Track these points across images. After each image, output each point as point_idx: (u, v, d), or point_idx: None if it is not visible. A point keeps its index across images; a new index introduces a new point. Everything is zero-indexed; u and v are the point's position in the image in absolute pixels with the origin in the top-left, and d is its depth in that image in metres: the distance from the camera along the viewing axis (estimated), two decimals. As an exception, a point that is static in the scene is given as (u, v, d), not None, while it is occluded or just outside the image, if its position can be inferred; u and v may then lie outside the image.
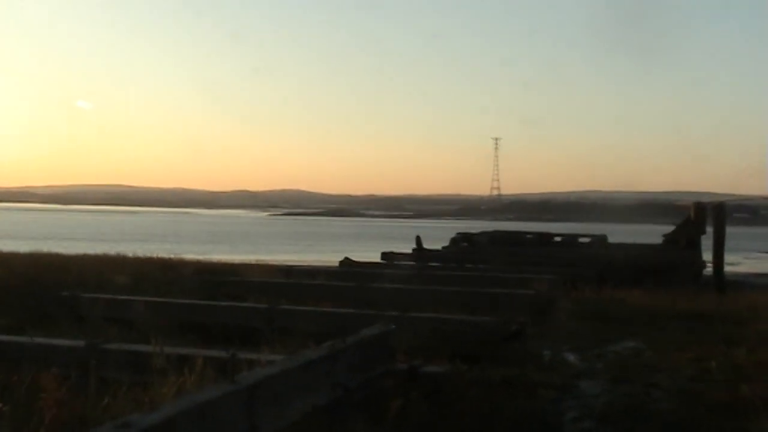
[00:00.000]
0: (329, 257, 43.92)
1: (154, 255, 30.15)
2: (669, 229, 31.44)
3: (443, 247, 33.83)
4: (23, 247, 34.46)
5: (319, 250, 66.98)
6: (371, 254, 35.20)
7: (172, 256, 30.61)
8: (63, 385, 6.80)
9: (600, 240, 33.94)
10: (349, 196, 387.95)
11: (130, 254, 29.40)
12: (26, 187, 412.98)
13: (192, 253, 40.98)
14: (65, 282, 17.63)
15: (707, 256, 28.39)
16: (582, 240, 34.01)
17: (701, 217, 29.80)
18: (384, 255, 31.80)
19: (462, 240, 34.32)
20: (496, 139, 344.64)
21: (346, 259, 29.48)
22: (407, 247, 33.18)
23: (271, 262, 32.82)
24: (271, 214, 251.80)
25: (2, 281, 17.02)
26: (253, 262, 31.62)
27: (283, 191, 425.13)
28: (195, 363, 7.08)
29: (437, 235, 41.71)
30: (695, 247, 29.55)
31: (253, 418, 5.50)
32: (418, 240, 32.83)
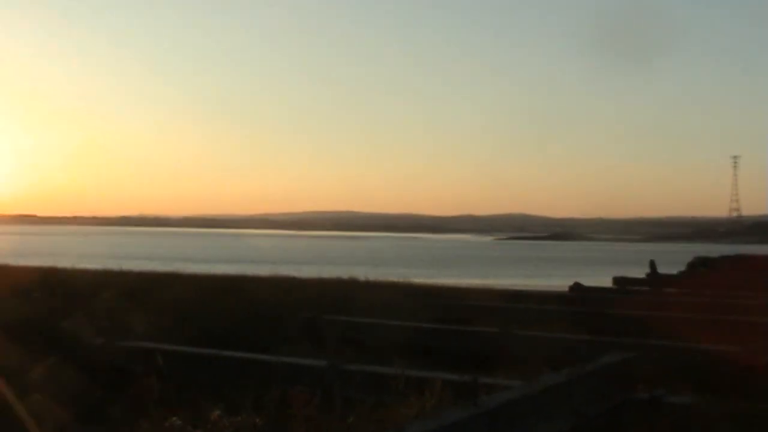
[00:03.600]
0: (557, 282, 43.18)
1: (384, 278, 30.95)
2: None
3: (679, 272, 32.31)
4: (264, 271, 36.53)
5: (547, 274, 66.01)
6: (601, 279, 34.25)
7: (401, 279, 31.28)
8: (310, 402, 7.11)
9: None
10: (575, 219, 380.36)
11: (362, 278, 30.34)
12: (264, 214, 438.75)
13: (420, 276, 41.70)
14: (304, 304, 18.50)
15: None
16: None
17: None
18: (616, 280, 30.83)
19: (700, 264, 32.64)
20: (735, 157, 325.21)
21: (576, 284, 28.85)
22: (639, 272, 32.00)
23: (498, 287, 32.72)
24: (496, 238, 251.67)
25: (246, 303, 18.07)
26: (480, 287, 31.67)
27: (508, 215, 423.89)
28: (434, 385, 7.18)
29: (671, 259, 39.88)
30: None
31: (495, 442, 5.50)
32: (653, 264, 31.55)
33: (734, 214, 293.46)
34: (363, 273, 34.23)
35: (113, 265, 32.69)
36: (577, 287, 28.19)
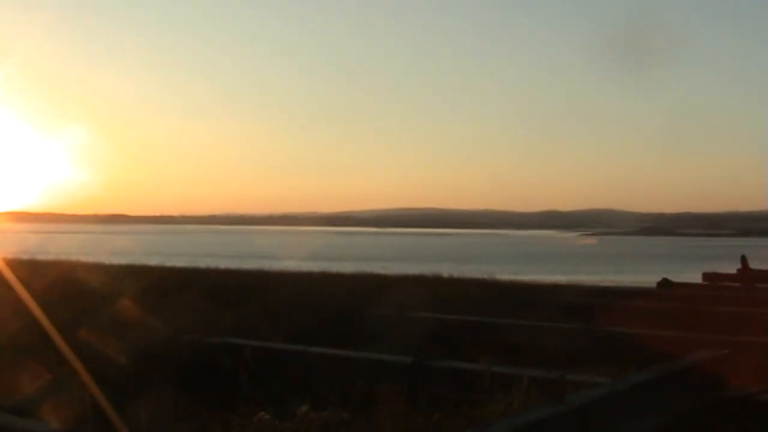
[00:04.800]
0: (644, 278, 42.31)
1: (468, 275, 30.81)
2: None
3: (772, 267, 31.22)
4: (347, 268, 36.81)
5: (633, 270, 64.77)
6: (690, 275, 33.40)
7: (485, 276, 31.09)
8: (396, 398, 7.17)
9: None
10: (662, 214, 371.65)
11: (445, 275, 30.27)
12: (347, 211, 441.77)
13: (504, 273, 41.38)
14: (388, 301, 18.59)
15: None
16: None
17: None
18: (706, 275, 29.98)
19: (794, 259, 31.51)
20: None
21: (665, 279, 28.17)
22: (730, 268, 31.04)
23: (583, 283, 32.26)
24: (580, 234, 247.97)
25: (331, 300, 18.27)
26: (565, 283, 31.26)
27: (593, 210, 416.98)
28: (520, 382, 7.14)
29: (764, 254, 38.68)
30: None
31: (583, 439, 5.44)
32: (744, 260, 30.58)
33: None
34: (446, 270, 34.14)
35: (201, 263, 33.40)
36: (665, 283, 27.53)
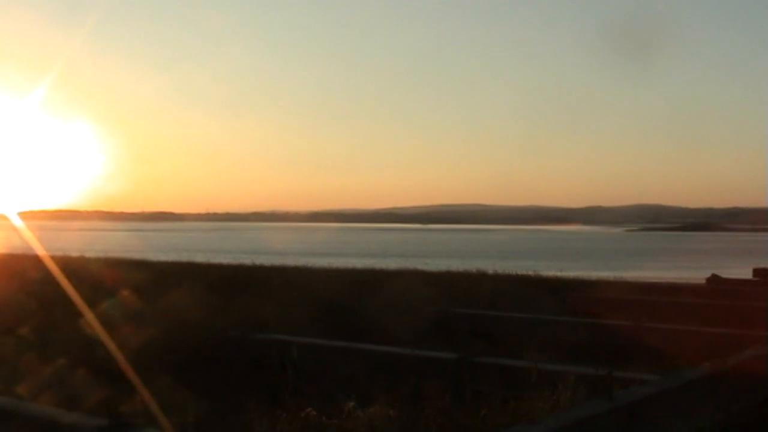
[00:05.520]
0: (692, 274, 41.69)
1: (513, 272, 30.61)
2: None
3: (825, 263, 30.58)
4: (391, 264, 36.81)
5: (682, 266, 63.88)
6: (740, 270, 32.86)
7: (529, 272, 30.84)
8: (442, 394, 7.14)
9: None
10: (711, 209, 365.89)
11: (490, 271, 30.10)
12: (391, 208, 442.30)
13: (549, 269, 41.03)
14: (433, 297, 18.56)
15: None
16: None
17: None
18: (757, 271, 29.46)
19: None
20: None
21: (714, 275, 27.76)
22: (782, 263, 30.45)
23: (630, 279, 31.85)
24: (627, 230, 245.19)
25: (376, 296, 18.27)
26: (611, 279, 30.88)
27: (639, 206, 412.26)
28: (567, 379, 7.06)
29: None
30: None
31: (632, 437, 5.37)
32: (795, 255, 29.98)
33: None
34: (491, 266, 33.98)
35: (246, 259, 33.64)
36: (714, 279, 27.13)
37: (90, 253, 34.88)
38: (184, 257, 38.34)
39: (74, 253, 32.64)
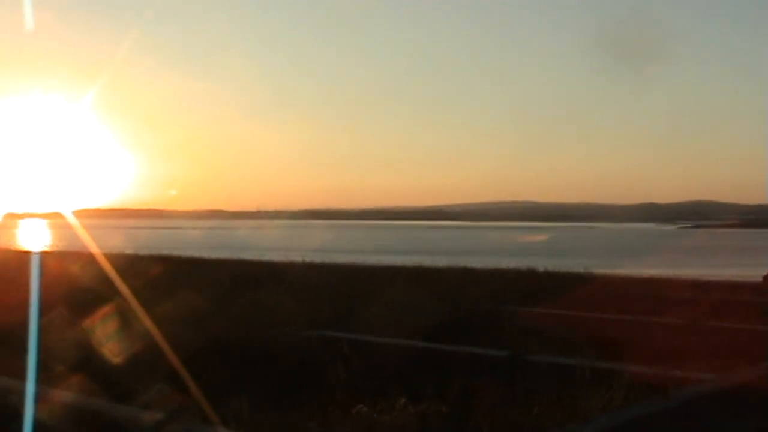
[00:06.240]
0: (749, 272, 40.92)
1: (564, 269, 30.46)
2: None
3: None
4: (441, 262, 36.82)
5: (738, 264, 62.72)
6: (798, 269, 32.09)
7: (581, 270, 30.64)
8: (494, 392, 7.13)
9: None
10: (766, 205, 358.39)
11: (540, 269, 30.01)
12: (439, 205, 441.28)
13: (601, 267, 40.63)
14: (483, 295, 18.60)
15: None
16: None
17: None
18: (815, 269, 28.83)
19: None
20: None
21: (771, 273, 27.22)
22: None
23: (684, 277, 31.40)
24: (680, 227, 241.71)
25: (426, 294, 18.30)
26: (665, 277, 30.51)
27: (693, 202, 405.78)
28: (621, 377, 7.00)
29: None
30: None
31: (687, 437, 5.29)
32: None
33: None
34: (541, 264, 33.82)
35: (298, 258, 33.94)
36: (772, 277, 26.62)
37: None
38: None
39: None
